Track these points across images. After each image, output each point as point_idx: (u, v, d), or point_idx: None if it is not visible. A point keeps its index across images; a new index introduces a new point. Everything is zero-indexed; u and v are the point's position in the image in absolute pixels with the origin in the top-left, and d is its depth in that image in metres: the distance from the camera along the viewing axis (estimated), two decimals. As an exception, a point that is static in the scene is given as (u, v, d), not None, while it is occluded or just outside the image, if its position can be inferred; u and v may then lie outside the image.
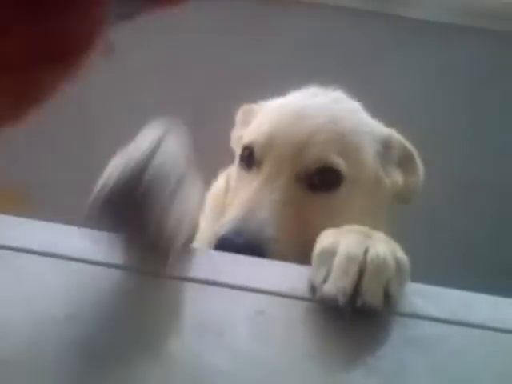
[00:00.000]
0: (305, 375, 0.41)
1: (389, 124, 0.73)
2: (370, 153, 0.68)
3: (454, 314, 0.45)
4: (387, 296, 0.43)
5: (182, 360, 0.41)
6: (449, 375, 0.41)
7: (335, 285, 0.43)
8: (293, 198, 0.62)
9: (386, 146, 0.70)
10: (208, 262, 0.48)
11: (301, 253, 0.52)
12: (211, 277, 0.46)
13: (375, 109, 0.72)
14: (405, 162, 0.71)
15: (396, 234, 0.51)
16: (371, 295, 0.42)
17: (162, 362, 0.40)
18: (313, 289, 0.45)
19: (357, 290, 0.42)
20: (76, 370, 0.38)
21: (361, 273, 0.43)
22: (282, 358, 0.42)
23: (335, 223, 0.50)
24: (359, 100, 0.73)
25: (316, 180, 0.64)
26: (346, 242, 0.46)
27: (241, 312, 0.45)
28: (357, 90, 0.73)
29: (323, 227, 0.49)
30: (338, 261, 0.44)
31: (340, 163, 0.64)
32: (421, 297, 0.46)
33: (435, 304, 0.45)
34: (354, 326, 0.44)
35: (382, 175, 0.68)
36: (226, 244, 0.57)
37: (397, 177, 0.70)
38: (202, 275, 0.46)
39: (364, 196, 0.66)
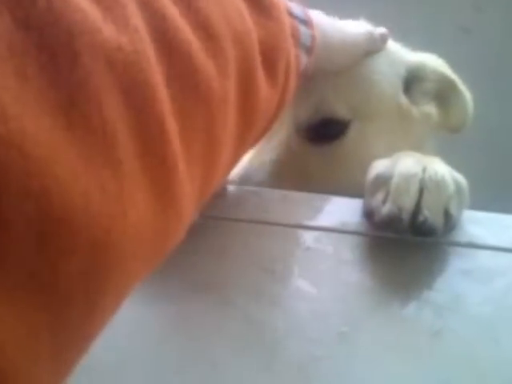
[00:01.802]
0: (356, 309, 0.40)
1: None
2: (390, 86, 0.60)
3: (515, 241, 0.43)
4: (447, 216, 0.42)
5: (234, 295, 0.41)
6: (507, 308, 0.39)
7: (396, 203, 0.42)
8: (293, 155, 0.57)
9: (416, 76, 0.62)
10: (255, 201, 0.47)
11: None
12: (259, 215, 0.46)
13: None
14: (443, 92, 0.63)
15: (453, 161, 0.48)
16: (432, 212, 0.41)
17: (213, 297, 0.41)
18: (369, 215, 0.44)
19: (417, 208, 0.42)
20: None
21: (420, 191, 0.42)
22: (333, 293, 0.41)
23: (350, 169, 0.47)
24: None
25: (318, 132, 0.57)
26: (401, 163, 0.44)
27: (290, 249, 0.44)
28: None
29: (334, 178, 0.47)
30: (396, 180, 0.43)
31: (342, 110, 0.56)
32: (479, 225, 0.44)
33: (494, 232, 0.43)
34: (408, 259, 0.43)
35: (407, 108, 0.61)
36: None
37: (429, 109, 0.63)
38: (249, 214, 0.46)
39: (384, 133, 0.60)
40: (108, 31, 0.23)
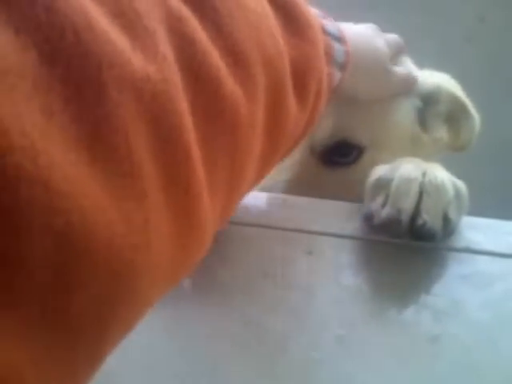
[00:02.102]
0: (354, 313, 0.41)
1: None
2: (406, 118, 0.61)
3: (512, 247, 0.43)
4: (446, 220, 0.42)
5: (233, 298, 0.42)
6: (506, 313, 0.39)
7: (395, 206, 0.42)
8: (307, 176, 0.57)
9: (429, 100, 0.62)
10: (257, 205, 0.48)
11: None
12: (260, 219, 0.46)
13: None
14: (454, 115, 0.63)
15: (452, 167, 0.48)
16: (431, 216, 0.42)
17: (213, 300, 0.42)
18: (368, 218, 0.44)
19: (416, 211, 0.42)
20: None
21: (420, 195, 0.42)
22: (332, 297, 0.42)
23: (363, 192, 0.47)
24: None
25: (333, 156, 0.57)
26: (402, 168, 0.45)
27: (290, 253, 0.45)
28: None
29: (346, 200, 0.48)
30: (396, 183, 0.43)
31: (363, 137, 0.57)
32: (476, 231, 0.44)
33: (492, 238, 0.43)
34: (406, 264, 0.43)
35: (418, 134, 0.62)
36: None
37: (440, 133, 0.63)
38: (251, 218, 0.46)
39: (395, 159, 0.57)
40: (137, 61, 0.22)
